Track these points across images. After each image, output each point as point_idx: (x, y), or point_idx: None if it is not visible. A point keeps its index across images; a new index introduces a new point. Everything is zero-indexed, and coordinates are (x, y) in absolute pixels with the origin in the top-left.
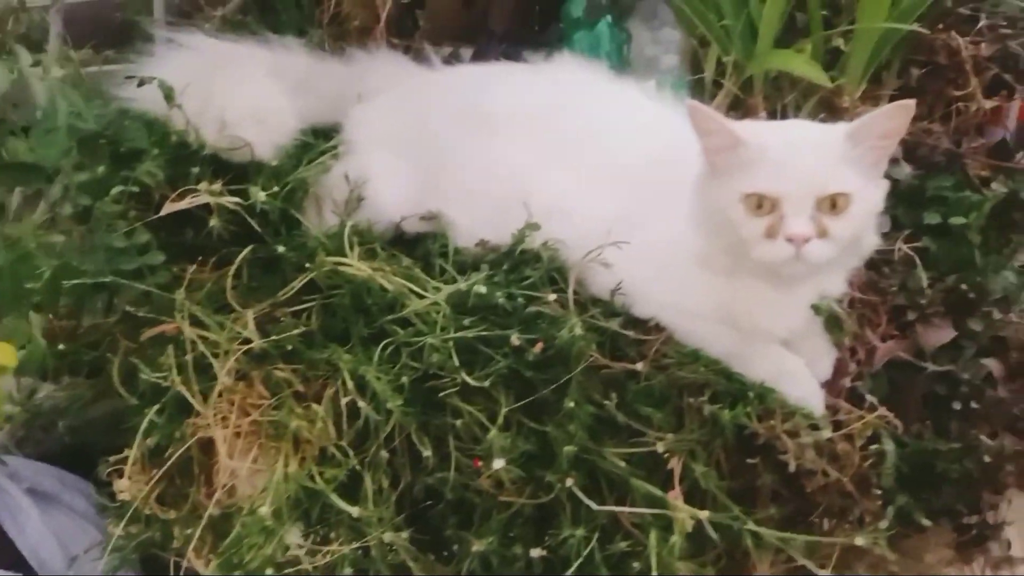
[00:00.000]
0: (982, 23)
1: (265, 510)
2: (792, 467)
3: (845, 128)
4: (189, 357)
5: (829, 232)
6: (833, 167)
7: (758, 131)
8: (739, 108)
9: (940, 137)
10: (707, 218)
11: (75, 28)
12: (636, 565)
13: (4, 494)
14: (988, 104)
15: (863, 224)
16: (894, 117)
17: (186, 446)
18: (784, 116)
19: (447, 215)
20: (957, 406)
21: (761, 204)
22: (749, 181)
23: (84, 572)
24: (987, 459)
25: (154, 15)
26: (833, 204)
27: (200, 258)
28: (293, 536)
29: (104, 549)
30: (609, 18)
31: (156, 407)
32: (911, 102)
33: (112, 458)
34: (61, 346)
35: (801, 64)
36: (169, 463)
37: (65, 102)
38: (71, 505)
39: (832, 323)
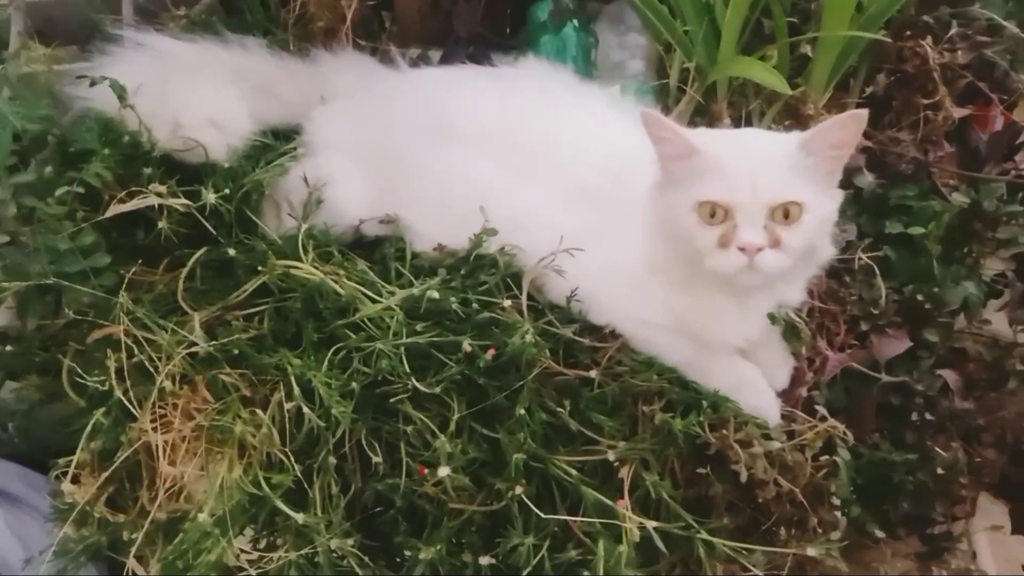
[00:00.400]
0: (953, 31)
1: (206, 517)
2: (744, 477)
3: (798, 137)
4: (128, 361)
5: (782, 242)
6: (786, 176)
7: (712, 139)
8: (703, 114)
9: (907, 146)
10: (662, 227)
11: (43, 26)
12: (586, 574)
13: None
14: (958, 112)
15: (816, 234)
16: (847, 127)
17: (131, 449)
18: (748, 123)
19: (405, 219)
20: (913, 417)
21: (714, 213)
22: (702, 189)
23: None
24: (941, 471)
25: (122, 14)
26: (786, 214)
27: (152, 260)
28: (239, 542)
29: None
30: (576, 22)
31: (102, 410)
32: (863, 112)
33: (61, 460)
34: (8, 347)
35: (762, 72)
36: (114, 466)
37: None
38: (36, 506)
39: (790, 333)
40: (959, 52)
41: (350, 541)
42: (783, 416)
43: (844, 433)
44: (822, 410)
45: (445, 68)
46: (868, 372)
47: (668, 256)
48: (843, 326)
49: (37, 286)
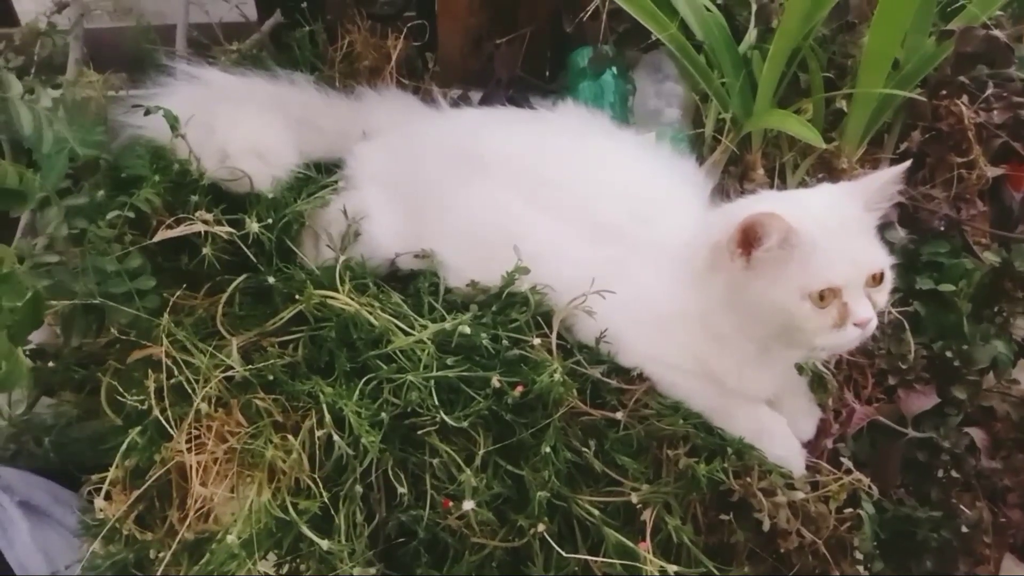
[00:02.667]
0: (989, 91)
1: (233, 539)
2: (767, 526)
3: (856, 194)
4: (166, 382)
5: (876, 305)
6: (872, 243)
7: (796, 216)
8: (737, 164)
9: (940, 203)
10: (746, 310)
11: (99, 55)
12: None
13: None
14: (992, 171)
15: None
16: (899, 180)
17: (164, 469)
18: (782, 174)
19: (440, 254)
20: (939, 474)
21: (823, 296)
22: (813, 278)
23: None
24: (965, 529)
25: (175, 46)
26: (876, 278)
27: (194, 284)
28: (263, 566)
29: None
30: (614, 70)
31: (138, 429)
32: (905, 165)
33: (95, 476)
34: (51, 364)
35: (797, 125)
36: (147, 485)
37: (51, 132)
38: (62, 521)
39: (817, 383)
40: (995, 112)
41: (372, 570)
42: (808, 467)
43: (869, 486)
44: (847, 462)
45: (482, 108)
46: (895, 427)
47: (743, 332)
48: (871, 379)
49: (83, 305)
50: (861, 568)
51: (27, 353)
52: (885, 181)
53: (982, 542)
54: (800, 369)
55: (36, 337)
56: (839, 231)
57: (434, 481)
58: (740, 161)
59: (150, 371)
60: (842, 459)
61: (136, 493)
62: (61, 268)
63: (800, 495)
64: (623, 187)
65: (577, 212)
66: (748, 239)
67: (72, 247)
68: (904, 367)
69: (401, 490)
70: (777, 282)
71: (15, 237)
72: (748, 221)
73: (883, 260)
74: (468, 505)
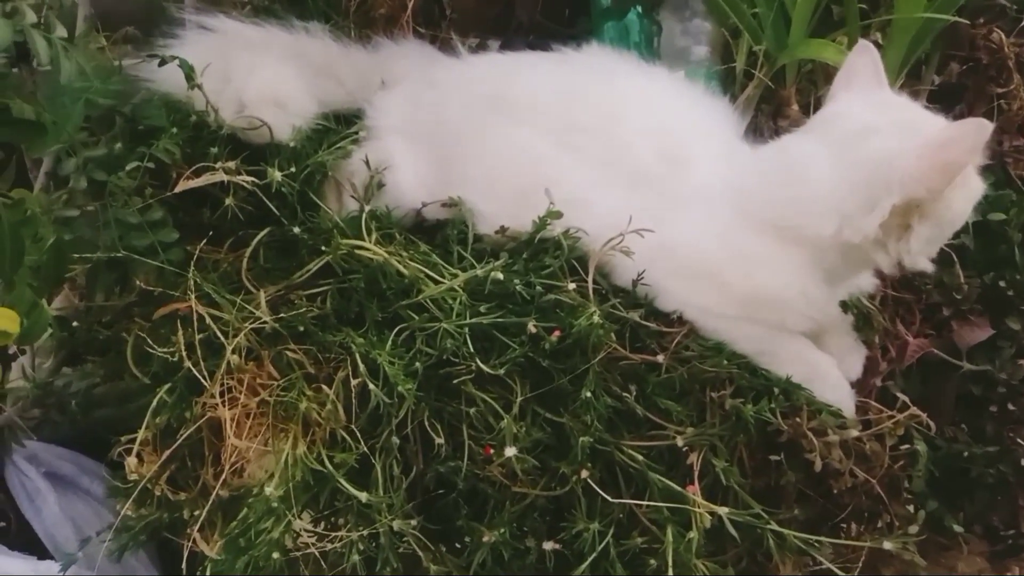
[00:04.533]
0: None
1: (271, 491)
2: (818, 466)
3: None
4: (196, 336)
5: None
6: None
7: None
8: (770, 101)
9: None
10: (954, 224)
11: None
12: (653, 562)
13: (22, 476)
14: None
15: None
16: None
17: (196, 426)
18: (816, 109)
19: (467, 202)
20: (993, 408)
21: None
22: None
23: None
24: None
25: (184, 2)
26: None
27: (217, 239)
28: (302, 521)
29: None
30: (639, 8)
31: (167, 386)
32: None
33: (124, 438)
34: (75, 323)
35: (834, 53)
36: (179, 443)
37: (69, 63)
38: (88, 490)
39: (863, 320)
40: None
41: (412, 523)
42: (856, 407)
43: (926, 423)
44: (903, 397)
45: (505, 53)
46: (949, 359)
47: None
48: (918, 315)
49: (106, 260)
50: (912, 508)
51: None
52: (864, 58)
53: None
54: (845, 307)
55: (58, 304)
56: None
57: (471, 431)
58: (773, 97)
59: (178, 326)
60: (898, 395)
61: (168, 452)
62: (82, 221)
63: (854, 433)
64: (657, 128)
65: (610, 155)
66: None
67: (91, 200)
68: (959, 297)
69: (438, 441)
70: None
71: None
72: (969, 148)
73: None
74: (510, 452)
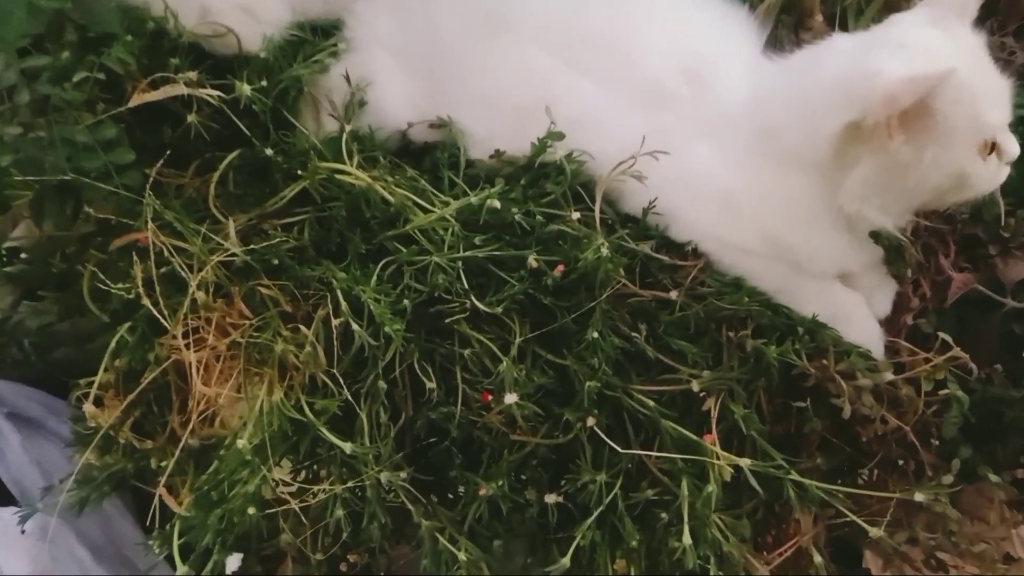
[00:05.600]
0: None
1: (244, 443)
2: (847, 413)
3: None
4: (156, 271)
5: None
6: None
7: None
8: (791, 11)
9: (1015, 52)
10: (904, 186)
11: None
12: (664, 516)
13: None
14: None
15: None
16: None
17: (160, 369)
18: (843, 21)
19: (459, 123)
20: None
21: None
22: (983, 127)
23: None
24: None
25: None
26: None
27: (180, 161)
28: (279, 473)
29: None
30: None
31: (127, 325)
32: None
33: (83, 381)
34: (24, 257)
35: None
36: (141, 387)
37: None
38: (56, 431)
39: (894, 254)
40: None
41: (402, 474)
42: (885, 347)
43: (968, 365)
44: (946, 337)
45: None
46: (994, 296)
47: (871, 206)
48: (952, 247)
49: (55, 185)
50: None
51: (3, 253)
52: None
53: None
54: (876, 238)
55: (16, 234)
56: (979, 62)
57: (465, 374)
58: (795, 7)
59: (136, 258)
60: (939, 333)
61: (130, 398)
62: (26, 141)
63: (888, 376)
64: (671, 40)
65: (619, 70)
66: (915, 111)
67: (35, 117)
68: (1006, 235)
69: (430, 385)
70: (949, 145)
71: None
72: (919, 89)
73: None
74: (510, 398)
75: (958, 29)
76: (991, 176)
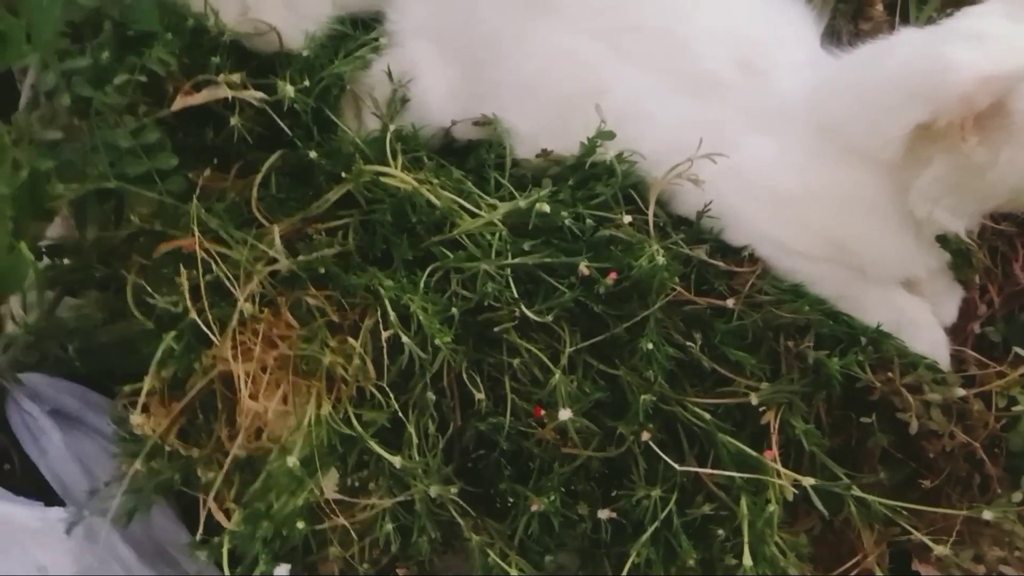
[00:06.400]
0: None
1: (293, 459)
2: (914, 428)
3: None
4: (203, 279)
5: None
6: None
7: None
8: (850, 0)
9: None
10: (979, 189)
11: None
12: (721, 532)
13: (25, 415)
14: None
15: None
16: None
17: (207, 379)
18: (904, 11)
19: (504, 120)
20: None
21: None
22: None
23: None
24: None
25: None
26: None
27: (223, 164)
28: (327, 487)
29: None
30: None
31: (173, 333)
32: None
33: (127, 387)
34: (67, 260)
35: None
36: (188, 398)
37: None
38: (96, 427)
39: (961, 258)
40: None
41: (453, 488)
42: (951, 357)
43: None
44: (1020, 351)
45: None
46: None
47: (943, 208)
48: (1021, 251)
49: (97, 190)
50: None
51: (43, 250)
52: None
53: None
54: (944, 242)
55: (53, 232)
56: None
57: (514, 384)
58: None
59: (181, 266)
60: (1015, 348)
61: (177, 407)
62: (67, 146)
63: (960, 392)
64: (725, 28)
65: (671, 60)
66: (991, 111)
67: (77, 120)
68: None
69: (478, 396)
70: None
71: None
72: (995, 89)
73: None
74: (565, 415)
75: None
76: None
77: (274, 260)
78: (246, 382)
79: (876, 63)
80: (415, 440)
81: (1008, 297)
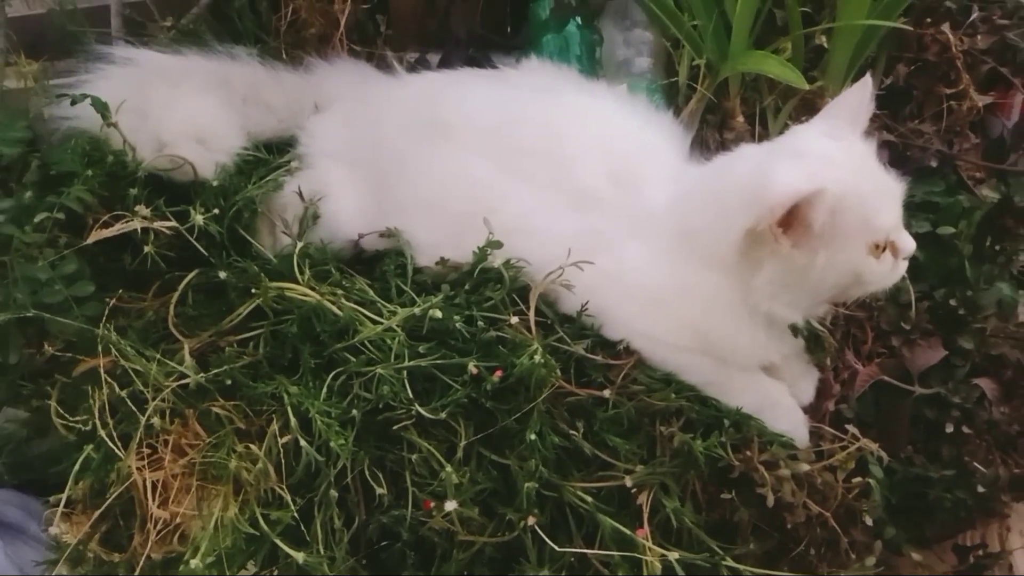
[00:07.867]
0: (975, 15)
1: (198, 563)
2: (770, 501)
3: (851, 123)
4: (107, 397)
5: None
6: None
7: (831, 175)
8: (715, 112)
9: (931, 138)
10: (804, 284)
11: (34, 40)
12: None
13: None
14: (982, 100)
15: None
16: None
17: (123, 487)
18: (763, 120)
19: (406, 232)
20: (949, 429)
21: (879, 244)
22: (873, 232)
23: None
24: (981, 489)
25: (111, 27)
26: None
27: (142, 284)
28: None
29: None
30: (579, 20)
31: (91, 446)
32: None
33: (52, 499)
34: None
35: (776, 66)
36: (105, 506)
37: None
38: (36, 535)
39: (814, 343)
40: (979, 37)
41: None
42: (810, 432)
43: (877, 452)
44: (853, 429)
45: (442, 71)
46: (901, 385)
47: (781, 302)
48: (870, 334)
49: (17, 319)
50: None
51: None
52: (859, 96)
53: (999, 500)
54: (795, 331)
55: None
56: (867, 170)
57: (415, 477)
58: (718, 109)
59: (92, 387)
60: (847, 426)
61: (96, 513)
62: None
63: (805, 467)
64: (600, 147)
65: (552, 177)
66: (793, 220)
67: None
68: (907, 326)
69: (380, 491)
70: (841, 249)
71: None
72: (791, 202)
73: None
74: (450, 505)
75: (850, 138)
76: (887, 272)
77: (184, 375)
78: (155, 490)
79: (721, 176)
80: (320, 534)
81: (852, 379)
